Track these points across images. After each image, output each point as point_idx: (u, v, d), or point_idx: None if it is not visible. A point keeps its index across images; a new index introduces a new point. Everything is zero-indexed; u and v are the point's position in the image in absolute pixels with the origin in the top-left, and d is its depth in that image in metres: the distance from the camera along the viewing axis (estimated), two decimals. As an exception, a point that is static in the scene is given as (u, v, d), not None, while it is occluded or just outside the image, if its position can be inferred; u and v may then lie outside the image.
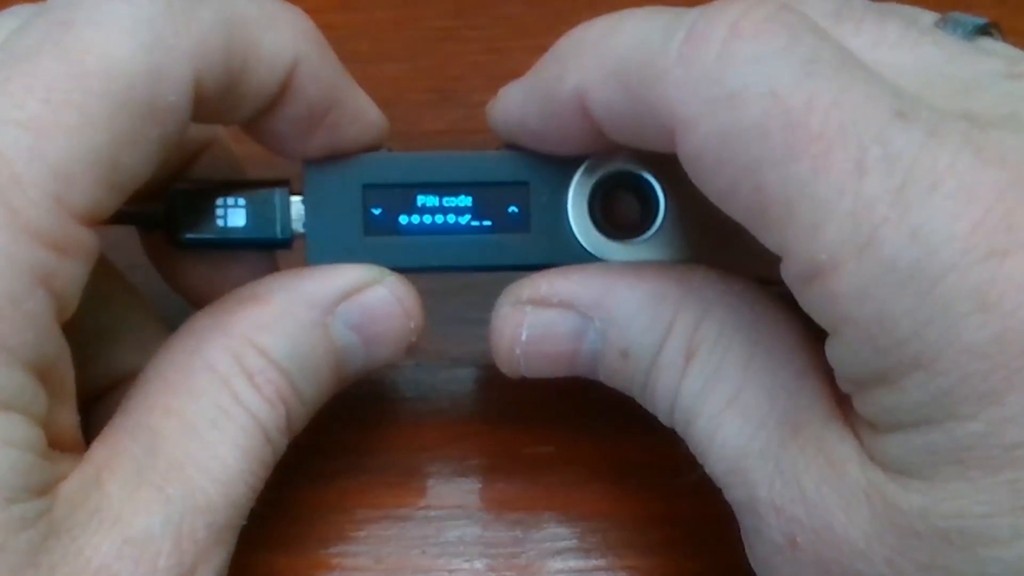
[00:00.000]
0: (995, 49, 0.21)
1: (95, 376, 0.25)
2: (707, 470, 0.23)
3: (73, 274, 0.20)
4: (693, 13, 0.20)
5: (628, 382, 0.24)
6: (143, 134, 0.20)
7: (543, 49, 0.23)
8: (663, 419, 0.24)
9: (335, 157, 0.25)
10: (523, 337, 0.24)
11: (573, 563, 0.28)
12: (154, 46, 0.20)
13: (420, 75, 0.33)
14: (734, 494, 0.22)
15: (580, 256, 0.25)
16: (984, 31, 0.22)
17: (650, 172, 0.25)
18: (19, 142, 0.19)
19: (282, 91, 0.23)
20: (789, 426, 0.21)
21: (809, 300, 0.19)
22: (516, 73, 0.24)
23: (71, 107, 0.19)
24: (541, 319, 0.24)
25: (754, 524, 0.22)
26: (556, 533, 0.28)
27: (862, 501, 0.19)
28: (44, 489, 0.20)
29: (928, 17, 0.22)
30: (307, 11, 0.24)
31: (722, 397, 0.22)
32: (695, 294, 0.23)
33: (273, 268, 0.27)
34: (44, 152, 0.19)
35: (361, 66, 0.25)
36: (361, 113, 0.25)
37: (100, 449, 0.22)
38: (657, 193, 0.25)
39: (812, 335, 0.22)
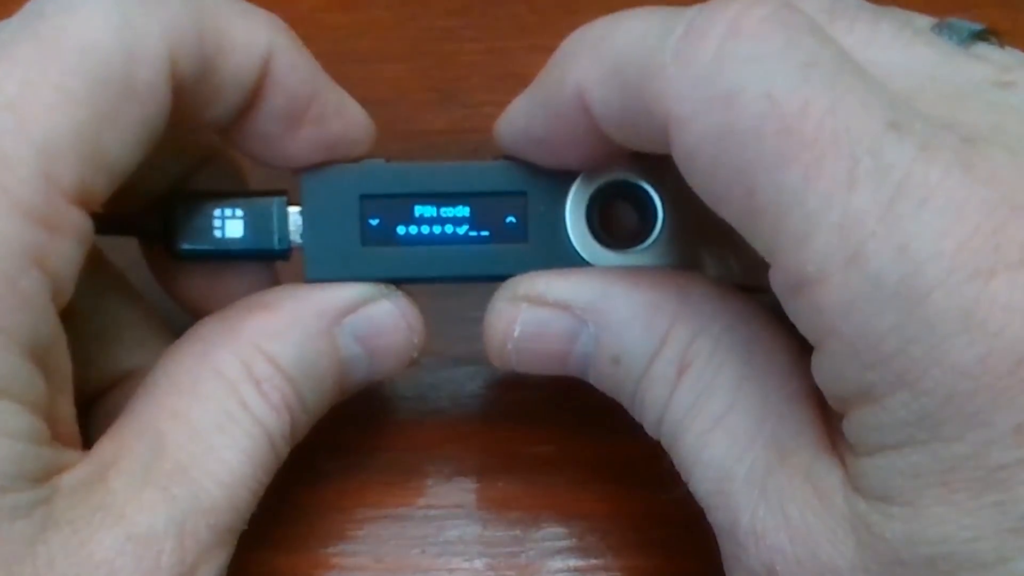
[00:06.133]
0: (989, 55, 0.21)
1: (95, 375, 0.25)
2: (691, 488, 0.23)
3: (67, 254, 0.20)
4: (692, 11, 0.20)
5: (618, 388, 0.24)
6: (123, 112, 0.21)
7: (543, 49, 0.23)
8: (650, 430, 0.24)
9: (331, 166, 0.25)
10: (516, 333, 0.24)
11: (572, 562, 0.28)
12: (124, 27, 0.21)
13: (420, 75, 0.33)
14: (716, 516, 0.22)
15: (578, 266, 0.25)
16: (981, 36, 0.21)
17: (648, 182, 0.25)
18: (2, 123, 0.19)
19: (261, 82, 0.23)
20: (777, 452, 0.21)
21: (796, 310, 0.19)
22: (516, 73, 0.24)
23: (50, 86, 0.20)
24: (535, 317, 0.24)
25: (733, 551, 0.22)
26: (555, 533, 0.28)
27: (847, 531, 0.19)
28: (41, 478, 0.20)
29: (923, 21, 0.22)
30: (307, 11, 0.24)
31: (711, 415, 0.22)
32: (693, 308, 0.23)
33: (271, 279, 0.27)
34: (28, 130, 0.20)
35: (361, 66, 0.25)
36: (344, 108, 0.25)
37: (106, 446, 0.22)
38: (655, 203, 0.25)
39: (808, 359, 0.22)
